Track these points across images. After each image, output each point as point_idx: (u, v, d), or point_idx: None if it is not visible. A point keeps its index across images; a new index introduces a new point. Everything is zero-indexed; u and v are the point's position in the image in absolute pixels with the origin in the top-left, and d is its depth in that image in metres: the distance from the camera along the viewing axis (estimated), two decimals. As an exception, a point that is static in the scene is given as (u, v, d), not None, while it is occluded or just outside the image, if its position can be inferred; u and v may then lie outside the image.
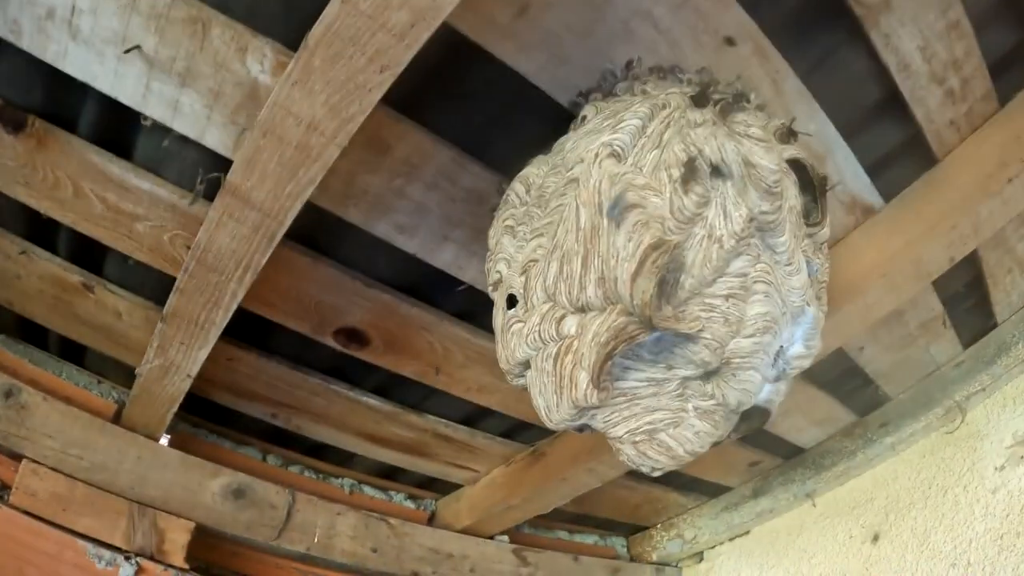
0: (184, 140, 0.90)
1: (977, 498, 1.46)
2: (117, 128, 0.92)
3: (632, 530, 1.92)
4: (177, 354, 1.08)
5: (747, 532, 1.78)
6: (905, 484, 1.58)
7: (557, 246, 0.70)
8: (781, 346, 0.77)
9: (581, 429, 0.81)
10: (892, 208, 1.14)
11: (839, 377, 1.49)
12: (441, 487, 1.61)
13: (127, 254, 1.06)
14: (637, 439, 0.75)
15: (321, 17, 0.69)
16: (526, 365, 0.77)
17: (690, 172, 0.65)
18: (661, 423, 0.74)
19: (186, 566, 1.17)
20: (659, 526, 1.88)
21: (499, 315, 0.80)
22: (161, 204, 0.98)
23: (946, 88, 0.99)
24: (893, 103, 1.00)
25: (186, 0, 0.78)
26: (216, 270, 0.94)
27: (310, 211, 0.94)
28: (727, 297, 0.69)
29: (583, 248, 0.66)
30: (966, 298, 1.43)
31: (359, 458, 1.49)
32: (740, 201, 0.67)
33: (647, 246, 0.62)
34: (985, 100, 1.03)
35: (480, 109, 0.89)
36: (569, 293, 0.68)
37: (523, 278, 0.75)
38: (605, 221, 0.64)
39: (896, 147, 1.08)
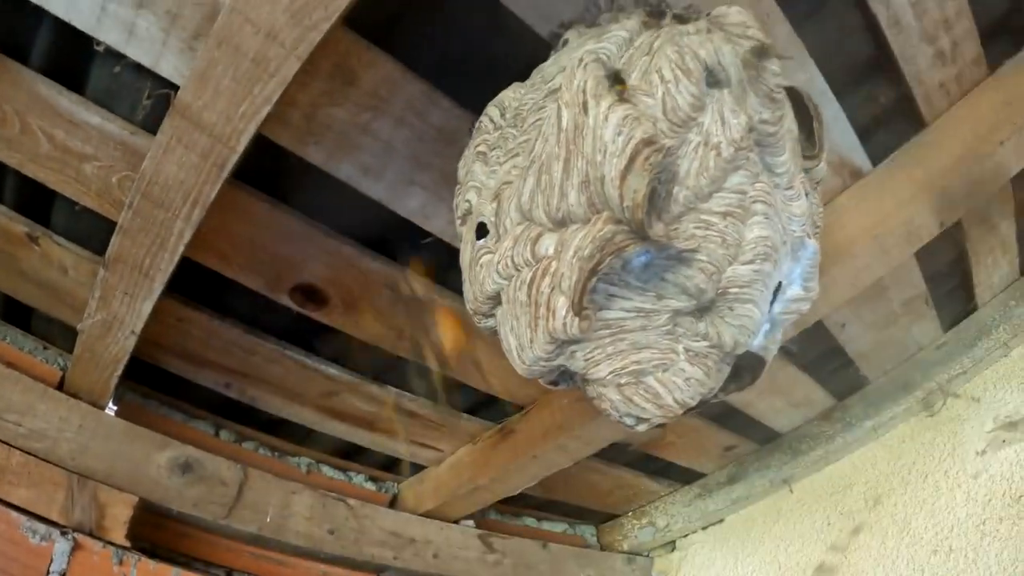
0: (138, 69, 0.83)
1: (958, 483, 1.45)
2: (70, 57, 0.85)
3: (603, 518, 1.87)
4: (120, 306, 1.00)
5: (721, 520, 1.74)
6: (884, 469, 1.56)
7: (534, 159, 0.63)
8: (780, 283, 0.71)
9: (555, 382, 0.75)
10: (881, 171, 1.11)
11: (820, 357, 1.46)
12: (404, 469, 1.53)
13: (74, 199, 0.98)
14: (623, 381, 0.67)
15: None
16: (496, 300, 0.71)
17: (686, 74, 0.59)
18: (649, 364, 0.67)
19: (127, 543, 1.08)
20: (630, 514, 1.83)
21: (467, 249, 0.73)
22: (111, 141, 0.91)
23: (937, 48, 0.98)
24: (883, 61, 0.98)
25: None
26: (163, 205, 0.87)
27: (269, 150, 0.89)
28: (725, 215, 0.63)
29: (564, 150, 0.60)
30: (949, 277, 1.42)
31: (317, 435, 1.41)
32: (739, 108, 0.61)
33: (639, 140, 0.56)
34: (975, 65, 1.02)
35: (455, 40, 0.84)
36: (548, 205, 0.61)
37: (495, 204, 0.68)
38: (591, 119, 0.58)
39: (885, 108, 1.06)
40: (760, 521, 1.69)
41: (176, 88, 0.82)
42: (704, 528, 1.77)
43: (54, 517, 1.04)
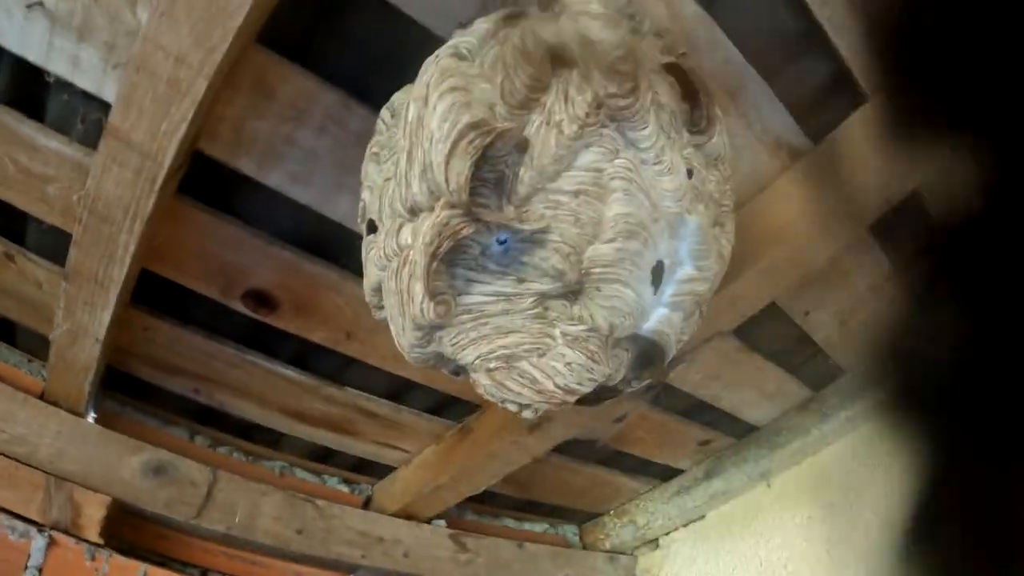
0: (87, 96, 0.97)
1: None
2: (26, 88, 0.98)
3: (585, 518, 1.96)
4: (83, 315, 1.14)
5: (702, 517, 1.81)
6: (863, 462, 1.59)
7: (396, 154, 0.72)
8: (661, 261, 0.74)
9: (457, 372, 0.79)
10: (822, 150, 1.13)
11: (788, 348, 1.52)
12: (377, 471, 1.65)
13: (40, 218, 1.12)
14: (491, 366, 0.72)
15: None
16: (380, 292, 0.77)
17: (525, 57, 0.65)
18: (520, 349, 0.71)
19: (100, 541, 1.22)
20: (612, 513, 1.91)
21: (363, 246, 0.81)
22: (68, 163, 1.04)
23: (867, 18, 0.95)
24: (813, 36, 0.99)
25: None
26: (107, 220, 1.00)
27: (204, 162, 1.02)
28: (576, 193, 0.67)
29: (408, 142, 0.68)
30: (918, 259, 1.45)
31: (289, 439, 1.54)
32: (585, 86, 0.66)
33: (464, 125, 0.62)
34: None
35: (364, 50, 0.95)
36: (402, 196, 0.69)
37: (380, 199, 0.76)
38: (428, 109, 0.65)
39: (822, 85, 1.07)
40: (740, 517, 1.76)
41: (111, 111, 0.96)
42: (685, 525, 1.84)
43: (32, 516, 1.18)
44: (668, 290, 0.76)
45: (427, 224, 0.66)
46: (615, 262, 0.69)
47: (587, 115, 0.66)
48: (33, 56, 0.93)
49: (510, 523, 1.86)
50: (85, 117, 1.00)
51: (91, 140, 1.01)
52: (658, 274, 0.74)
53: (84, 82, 0.95)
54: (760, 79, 1.05)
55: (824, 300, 1.43)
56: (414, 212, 0.70)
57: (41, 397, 1.30)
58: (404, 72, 0.91)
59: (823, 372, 1.62)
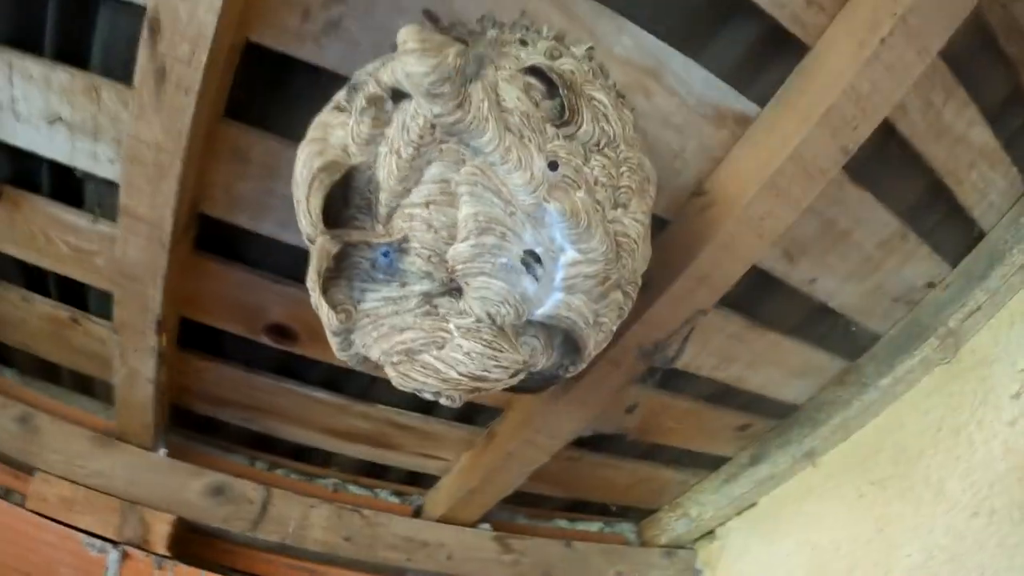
0: (108, 183, 1.29)
1: (994, 433, 1.51)
2: (62, 182, 1.33)
3: (642, 515, 2.14)
4: (135, 361, 1.47)
5: (754, 504, 1.94)
6: (912, 430, 1.67)
7: None
8: (531, 250, 0.88)
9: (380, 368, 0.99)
10: (769, 111, 1.23)
11: (804, 320, 1.64)
12: (427, 481, 1.91)
13: (95, 285, 1.48)
14: (394, 360, 0.92)
15: (137, 61, 1.06)
16: None
17: (369, 101, 0.87)
18: (417, 343, 0.91)
19: (168, 553, 1.55)
20: (666, 507, 2.08)
21: None
22: (106, 239, 1.37)
23: None
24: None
25: (81, 74, 1.16)
26: (135, 279, 1.31)
27: (207, 221, 1.32)
28: (426, 204, 0.86)
29: (295, 192, 0.91)
30: (931, 208, 1.52)
31: (340, 457, 1.83)
32: (417, 112, 0.84)
33: (316, 168, 0.85)
34: None
35: (309, 106, 1.17)
36: (300, 229, 0.92)
37: None
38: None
39: (756, 45, 1.18)
40: (791, 501, 1.88)
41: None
42: (738, 514, 1.99)
43: (109, 535, 1.53)
44: (559, 275, 0.90)
45: (313, 250, 0.89)
46: (473, 257, 0.85)
47: (420, 137, 0.85)
48: (61, 157, 1.27)
49: (563, 524, 2.07)
50: (110, 200, 1.33)
51: (114, 213, 1.32)
52: (531, 262, 0.88)
53: (104, 172, 1.28)
54: (680, 54, 1.17)
55: (829, 264, 1.53)
56: (311, 241, 0.92)
57: (115, 437, 1.66)
58: None
59: (854, 340, 1.71)
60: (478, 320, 0.89)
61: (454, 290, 0.90)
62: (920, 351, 1.66)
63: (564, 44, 1.13)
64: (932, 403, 1.66)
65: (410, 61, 0.83)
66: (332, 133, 0.92)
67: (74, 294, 1.54)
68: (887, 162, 1.38)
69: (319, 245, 0.88)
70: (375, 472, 1.90)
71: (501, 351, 0.91)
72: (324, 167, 0.87)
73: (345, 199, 0.92)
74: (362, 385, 1.66)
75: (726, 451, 1.95)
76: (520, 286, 0.89)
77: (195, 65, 1.04)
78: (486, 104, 0.86)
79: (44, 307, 1.57)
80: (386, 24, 1.09)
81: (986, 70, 1.36)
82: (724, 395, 1.77)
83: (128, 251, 1.28)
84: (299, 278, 1.40)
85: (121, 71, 1.15)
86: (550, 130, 0.92)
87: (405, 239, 0.88)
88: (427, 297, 0.91)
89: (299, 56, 1.13)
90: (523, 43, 1.08)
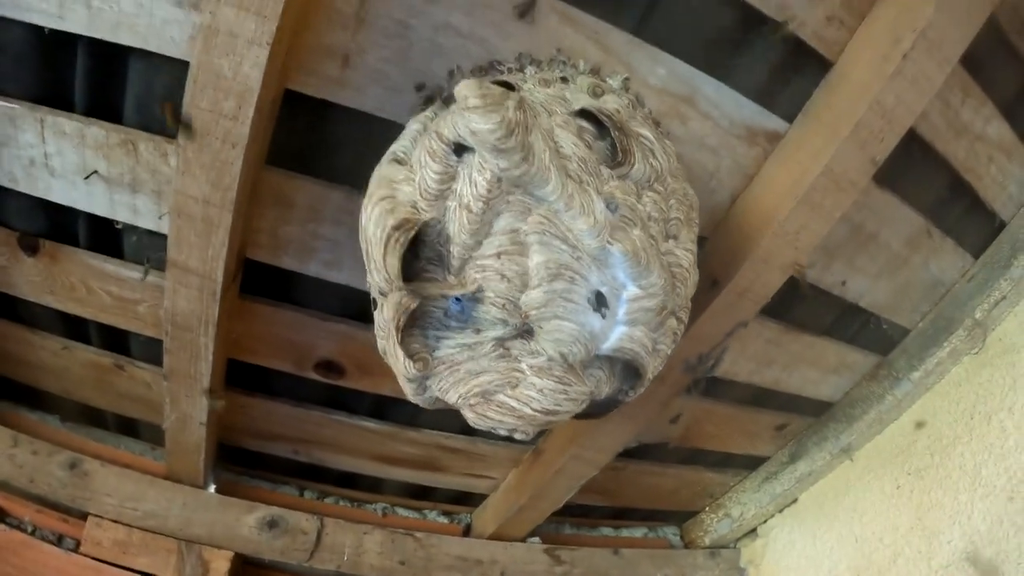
0: (151, 233, 1.28)
1: None
2: (104, 234, 1.32)
3: (684, 517, 2.13)
4: (186, 406, 1.46)
5: (795, 500, 1.95)
6: (945, 419, 1.68)
7: None
8: (598, 291, 0.91)
9: (456, 409, 0.98)
10: (797, 127, 1.25)
11: (836, 320, 1.65)
12: (473, 500, 1.90)
13: (139, 332, 1.47)
14: (472, 402, 0.92)
15: (183, 119, 1.05)
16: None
17: (433, 156, 0.87)
18: (493, 384, 0.91)
19: (228, 589, 1.56)
20: (707, 509, 2.09)
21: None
22: (148, 288, 1.36)
23: None
24: (753, 20, 1.13)
25: (116, 128, 1.15)
26: (187, 328, 1.30)
27: (254, 265, 1.30)
28: (498, 255, 0.87)
29: (363, 245, 0.91)
30: (952, 203, 1.53)
31: (388, 482, 1.82)
32: (484, 167, 0.84)
33: (390, 227, 0.84)
34: None
35: (351, 150, 1.19)
36: (374, 284, 0.92)
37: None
38: (367, 218, 0.89)
39: (781, 63, 1.20)
40: (831, 495, 1.88)
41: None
42: (780, 511, 1.98)
43: (168, 575, 1.53)
44: (621, 310, 0.94)
45: (388, 304, 0.89)
46: (546, 303, 0.88)
47: (488, 191, 0.85)
48: (101, 211, 1.26)
49: (608, 532, 2.06)
50: (153, 250, 1.31)
51: (161, 265, 1.30)
52: (600, 301, 0.92)
53: (145, 223, 1.26)
54: (711, 79, 1.19)
55: (857, 265, 1.54)
56: (383, 294, 0.92)
57: (165, 477, 1.64)
58: None
59: (884, 336, 1.72)
60: (550, 359, 0.91)
61: (526, 332, 0.91)
62: (949, 343, 1.67)
63: (601, 77, 1.14)
64: (963, 392, 1.68)
65: (474, 118, 0.83)
66: (399, 189, 0.91)
67: (116, 339, 1.53)
68: (910, 164, 1.39)
69: (397, 301, 0.87)
70: (422, 494, 1.89)
71: (571, 385, 0.92)
72: (397, 225, 0.86)
73: (415, 251, 0.91)
74: (409, 412, 1.65)
75: (765, 451, 1.95)
76: (589, 325, 0.92)
77: (242, 119, 1.02)
78: (547, 154, 0.87)
79: (86, 354, 1.56)
80: (424, 67, 1.09)
81: (1000, 67, 1.36)
82: (762, 397, 1.77)
83: (178, 302, 1.27)
84: (346, 315, 1.43)
85: (158, 123, 1.14)
86: (605, 172, 0.94)
87: (479, 289, 0.88)
88: (501, 341, 0.91)
89: (340, 102, 1.12)
90: (564, 80, 1.09)
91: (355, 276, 1.35)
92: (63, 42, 1.08)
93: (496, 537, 1.87)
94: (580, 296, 0.90)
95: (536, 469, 1.72)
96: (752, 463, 2.00)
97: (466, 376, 0.93)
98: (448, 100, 1.03)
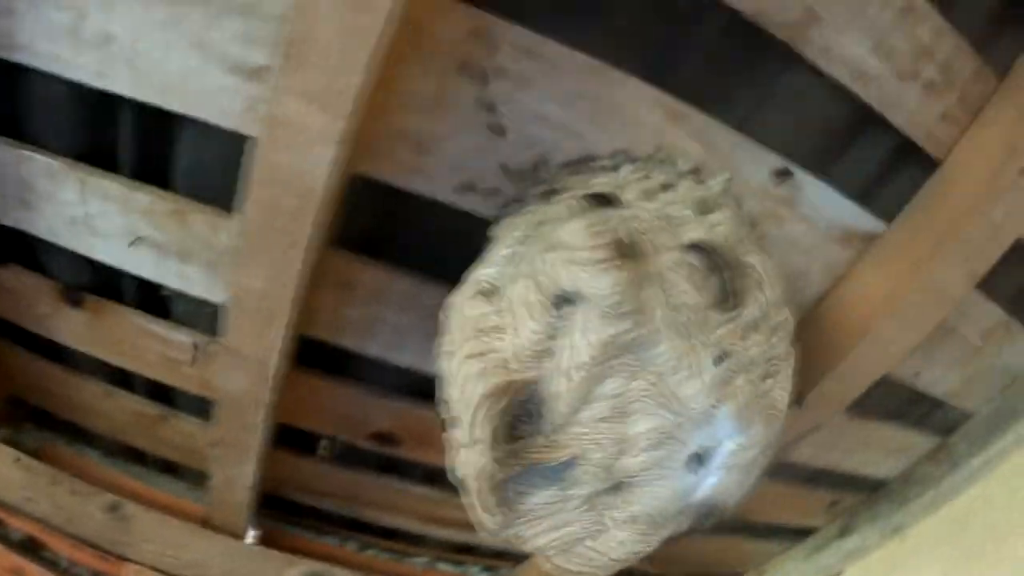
0: (200, 300, 1.12)
1: None
2: (150, 296, 1.16)
3: None
4: (233, 470, 1.30)
5: (840, 573, 1.78)
6: (1001, 507, 1.50)
7: None
8: (696, 453, 0.76)
9: None
10: (896, 230, 1.06)
11: (903, 406, 1.47)
12: (518, 556, 1.72)
13: (185, 389, 1.30)
14: (550, 553, 0.80)
15: (240, 219, 0.88)
16: None
17: (530, 310, 0.71)
18: (574, 536, 0.78)
19: (269, 647, 1.40)
20: (751, 575, 1.92)
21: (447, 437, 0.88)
22: (206, 354, 1.20)
23: (923, 81, 0.91)
24: (864, 117, 0.94)
25: (163, 197, 0.98)
26: (237, 406, 1.14)
27: (310, 342, 1.14)
28: (599, 421, 0.72)
29: (455, 408, 0.76)
30: None
31: (432, 537, 1.65)
32: (589, 327, 0.68)
33: (480, 396, 0.69)
34: (978, 79, 0.93)
35: (422, 238, 1.03)
36: (454, 430, 0.78)
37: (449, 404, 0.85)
38: (454, 371, 0.74)
39: (886, 161, 1.01)
40: (878, 572, 1.70)
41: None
42: (825, 584, 1.82)
43: (206, 627, 1.37)
44: (716, 461, 0.80)
45: (473, 467, 0.74)
46: (644, 470, 0.75)
47: (592, 359, 0.69)
48: (147, 275, 1.10)
49: (651, 595, 1.90)
50: (211, 315, 1.13)
51: (210, 329, 1.15)
52: (697, 462, 0.78)
53: (196, 292, 1.10)
54: (814, 177, 1.00)
55: (934, 356, 1.35)
56: (464, 446, 0.77)
57: (205, 523, 1.48)
58: (464, 256, 0.94)
59: (948, 420, 1.55)
60: (638, 514, 0.78)
61: (614, 487, 0.77)
62: (1014, 431, 1.51)
63: (702, 178, 0.95)
64: (1022, 481, 1.49)
65: (584, 277, 0.69)
66: (489, 344, 0.74)
67: (162, 392, 1.36)
68: (1004, 266, 1.15)
69: (483, 467, 0.73)
70: (465, 550, 1.73)
71: (653, 535, 0.82)
72: (488, 394, 0.70)
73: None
74: (460, 481, 1.48)
75: (814, 523, 1.78)
76: (683, 486, 0.79)
77: (303, 219, 0.85)
78: (659, 312, 0.72)
79: (131, 403, 1.40)
80: (508, 159, 0.92)
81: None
82: (817, 476, 1.59)
83: (233, 383, 1.11)
84: (410, 391, 1.25)
85: (209, 194, 0.98)
86: (713, 318, 0.77)
87: (574, 456, 0.74)
88: (588, 497, 0.77)
89: (412, 190, 0.94)
90: (666, 188, 0.90)
91: (420, 359, 1.16)
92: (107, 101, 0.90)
93: (544, 594, 1.70)
94: (679, 462, 0.77)
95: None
96: (800, 534, 1.82)
97: (548, 529, 0.80)
98: (543, 191, 0.87)
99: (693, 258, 0.77)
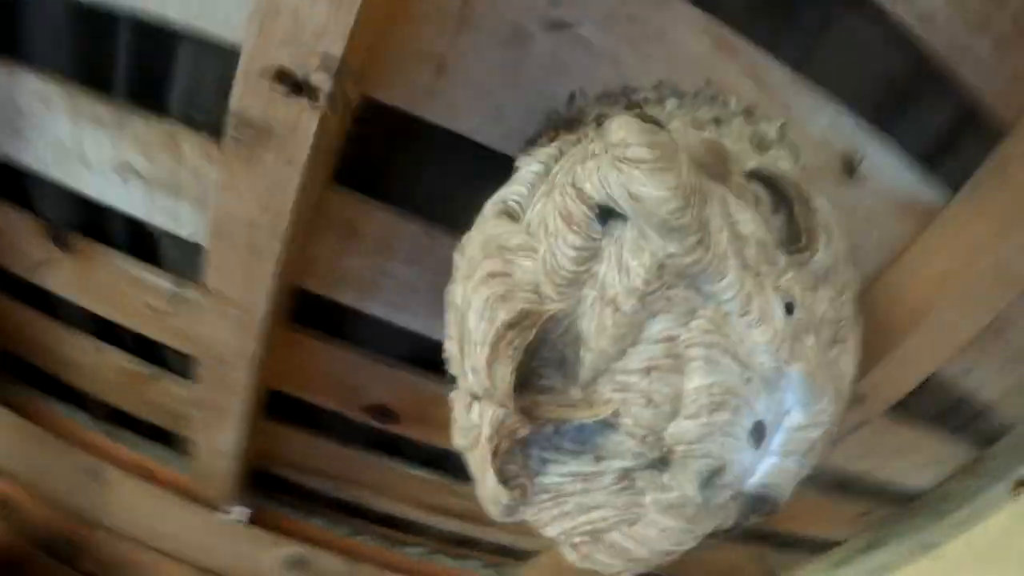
0: (194, 246, 1.00)
1: None
2: (142, 239, 1.04)
3: None
4: (216, 437, 1.17)
5: (864, 591, 1.63)
6: None
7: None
8: (760, 422, 0.61)
9: None
10: (959, 202, 0.92)
11: (943, 412, 1.32)
12: (520, 554, 1.58)
13: (174, 347, 1.17)
14: (576, 541, 0.63)
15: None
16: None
17: (568, 223, 0.56)
18: (606, 522, 0.62)
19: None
20: None
21: (451, 398, 0.73)
22: (186, 302, 1.08)
23: (994, 34, 0.78)
24: (929, 70, 0.81)
25: (158, 120, 0.87)
26: (221, 360, 1.00)
27: (307, 296, 1.01)
28: (647, 371, 0.57)
29: (457, 331, 0.61)
30: None
31: (430, 527, 1.51)
32: (642, 245, 0.54)
33: (501, 324, 0.54)
34: None
35: (437, 178, 0.89)
36: (464, 380, 0.62)
37: (455, 358, 0.71)
38: (467, 299, 0.58)
39: (951, 124, 0.87)
40: (906, 591, 1.56)
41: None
42: (846, 600, 1.67)
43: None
44: (777, 439, 0.65)
45: (486, 419, 0.59)
46: (700, 438, 0.58)
47: (646, 283, 0.55)
48: (137, 212, 0.98)
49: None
50: (192, 265, 1.02)
51: (196, 276, 1.03)
52: (759, 434, 0.62)
53: (189, 234, 0.98)
54: (875, 136, 0.87)
55: (981, 360, 1.22)
56: (477, 397, 0.63)
57: (187, 494, 1.37)
58: (480, 196, 0.80)
59: (989, 430, 1.40)
60: (685, 497, 0.60)
61: (659, 461, 0.60)
62: (1060, 445, 1.36)
63: (755, 120, 0.81)
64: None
65: (639, 177, 0.52)
66: (515, 263, 0.59)
67: (151, 349, 1.24)
68: None
69: (500, 420, 0.57)
70: (466, 543, 1.58)
71: (699, 524, 0.63)
72: (513, 322, 0.54)
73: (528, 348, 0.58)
74: (464, 465, 1.34)
75: (840, 535, 1.63)
76: (741, 462, 0.61)
77: (302, 130, 0.72)
78: (724, 235, 0.56)
79: (119, 359, 1.27)
80: (539, 85, 0.78)
81: None
82: (849, 485, 1.45)
83: (216, 332, 0.98)
84: (412, 361, 1.11)
85: (205, 120, 0.86)
86: (782, 259, 0.62)
87: (615, 414, 0.58)
88: (626, 472, 0.61)
89: (428, 117, 0.81)
90: (717, 122, 0.76)
91: (428, 324, 1.04)
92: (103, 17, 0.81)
93: (549, 593, 1.56)
94: (740, 431, 0.60)
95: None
96: (823, 545, 1.67)
97: (574, 511, 0.63)
98: (574, 125, 0.72)
99: (757, 186, 0.64)
